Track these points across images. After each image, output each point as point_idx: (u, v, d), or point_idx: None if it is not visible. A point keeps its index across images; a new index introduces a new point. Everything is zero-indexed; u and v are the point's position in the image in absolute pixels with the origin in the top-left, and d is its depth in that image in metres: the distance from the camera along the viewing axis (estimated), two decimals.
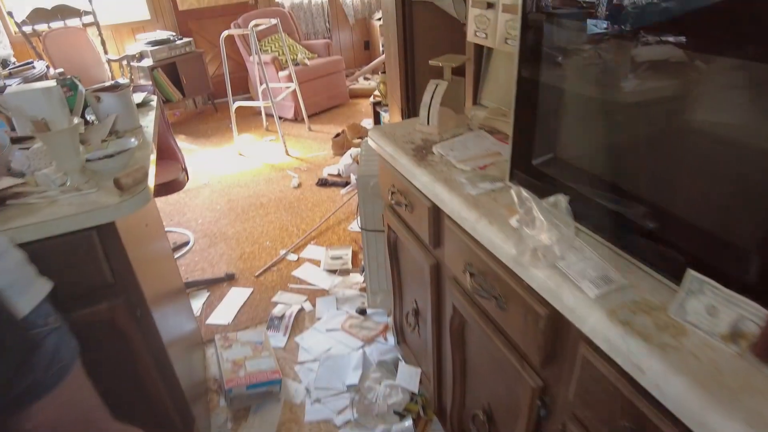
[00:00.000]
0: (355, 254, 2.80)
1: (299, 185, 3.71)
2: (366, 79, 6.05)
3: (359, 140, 4.24)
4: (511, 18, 1.31)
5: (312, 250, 2.90)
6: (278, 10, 5.48)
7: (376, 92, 3.86)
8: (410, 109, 2.58)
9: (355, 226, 3.07)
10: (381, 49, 6.11)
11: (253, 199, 3.57)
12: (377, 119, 3.53)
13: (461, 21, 2.45)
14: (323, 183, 3.69)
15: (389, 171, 1.58)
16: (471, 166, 1.26)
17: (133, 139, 1.44)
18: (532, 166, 1.06)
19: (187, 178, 2.60)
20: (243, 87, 5.68)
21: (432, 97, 1.57)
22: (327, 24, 6.19)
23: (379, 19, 6.07)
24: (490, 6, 1.37)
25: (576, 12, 0.85)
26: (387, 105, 3.37)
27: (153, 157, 1.45)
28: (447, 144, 1.44)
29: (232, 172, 4.07)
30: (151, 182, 1.29)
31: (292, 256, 2.86)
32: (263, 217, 3.31)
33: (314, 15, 6.05)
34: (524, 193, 0.94)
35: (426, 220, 1.34)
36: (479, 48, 1.64)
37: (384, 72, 3.17)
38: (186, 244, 3.07)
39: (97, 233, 1.13)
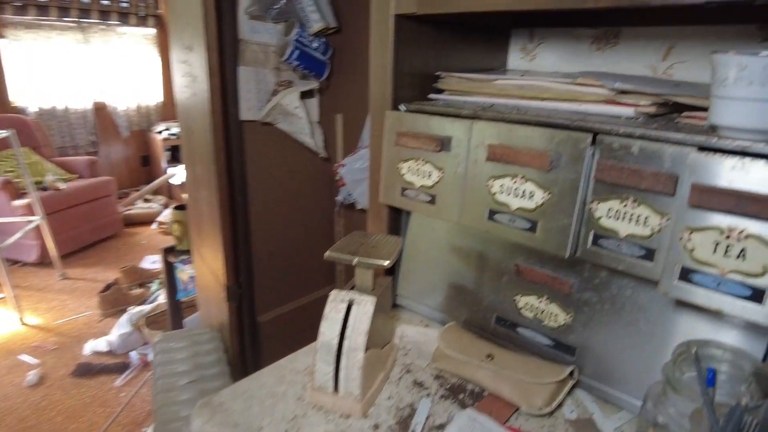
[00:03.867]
0: None
1: (40, 381, 2.35)
2: (146, 201, 4.89)
3: (140, 291, 3.07)
4: None
5: None
6: (15, 118, 4.09)
7: (162, 221, 2.84)
8: (238, 274, 1.71)
9: None
10: (164, 165, 5.08)
11: None
12: (170, 274, 2.49)
13: (320, 154, 1.79)
14: (85, 371, 2.41)
15: None
16: None
17: None
18: None
19: None
20: None
21: (342, 338, 0.79)
22: (92, 137, 4.93)
23: (161, 131, 5.10)
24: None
25: None
26: (187, 255, 2.41)
27: None
28: None
29: None
30: None
31: None
32: None
33: (74, 126, 4.77)
34: None
35: None
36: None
37: (181, 207, 2.25)
38: None
39: None
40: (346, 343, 0.83)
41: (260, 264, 1.79)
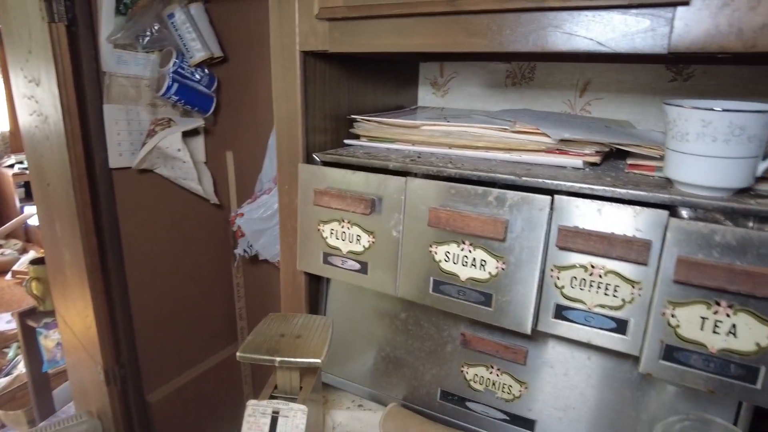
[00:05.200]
0: None
1: None
2: None
3: None
4: None
5: None
6: None
7: (19, 270, 2.37)
8: (118, 352, 1.43)
9: None
10: (18, 204, 4.37)
11: None
12: (31, 342, 2.07)
13: (210, 200, 1.56)
14: None
15: None
16: None
17: None
18: None
19: None
20: None
21: None
22: None
23: (13, 165, 4.39)
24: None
25: None
26: (52, 317, 2.01)
27: None
28: None
29: None
30: None
31: None
32: None
33: None
34: None
35: None
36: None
37: (38, 262, 1.88)
38: None
39: None
40: None
41: (145, 334, 1.51)
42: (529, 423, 0.81)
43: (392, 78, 1.15)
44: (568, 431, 0.77)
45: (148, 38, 1.35)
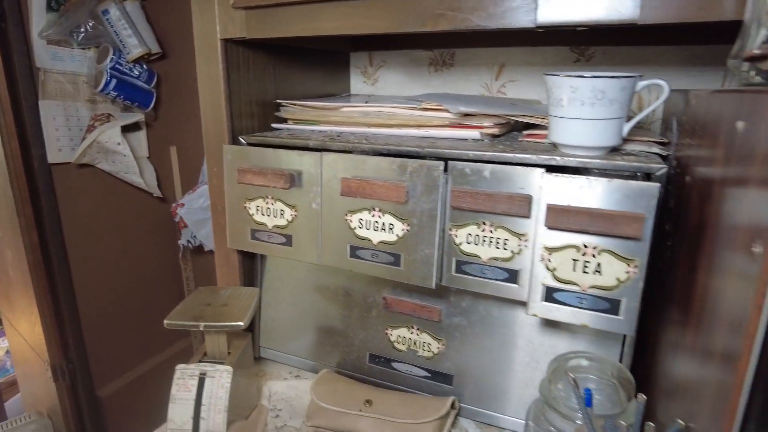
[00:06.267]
0: None
1: None
2: None
3: None
4: None
5: None
6: None
7: None
8: (65, 347, 1.44)
9: None
10: None
11: None
12: None
13: (154, 194, 1.58)
14: None
15: None
16: None
17: None
18: None
19: None
20: None
21: (197, 421, 0.67)
22: None
23: None
24: None
25: None
26: None
27: None
28: None
29: None
30: None
31: None
32: None
33: None
34: None
35: None
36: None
37: None
38: None
39: None
40: (203, 425, 0.70)
41: (93, 328, 1.52)
42: (448, 378, 0.88)
43: (324, 67, 1.21)
44: (481, 382, 0.85)
45: (83, 34, 1.37)
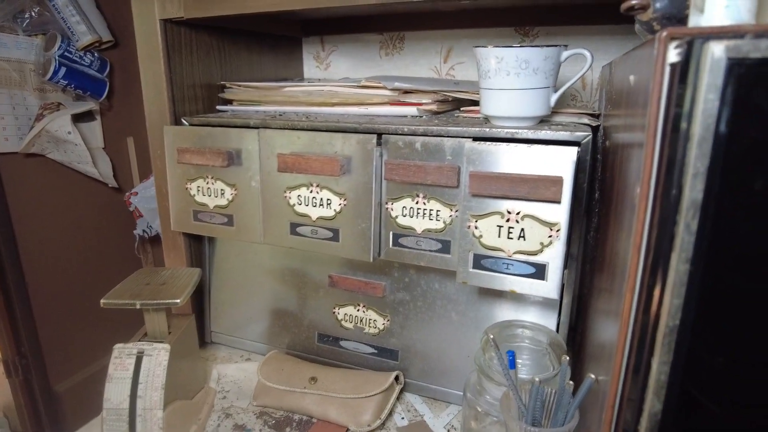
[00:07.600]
0: None
1: None
2: None
3: None
4: None
5: None
6: None
7: None
8: (18, 342, 1.41)
9: None
10: None
11: None
12: None
13: (109, 184, 1.55)
14: None
15: None
16: None
17: None
18: None
19: None
20: None
21: (134, 398, 0.67)
22: None
23: None
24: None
25: None
26: None
27: None
28: None
29: None
30: None
31: None
32: None
33: None
34: None
35: None
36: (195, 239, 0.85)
37: None
38: None
39: None
40: (139, 403, 0.70)
41: (48, 323, 1.49)
42: (393, 354, 0.89)
43: (276, 53, 1.20)
44: (426, 357, 0.86)
45: (27, 21, 1.33)
